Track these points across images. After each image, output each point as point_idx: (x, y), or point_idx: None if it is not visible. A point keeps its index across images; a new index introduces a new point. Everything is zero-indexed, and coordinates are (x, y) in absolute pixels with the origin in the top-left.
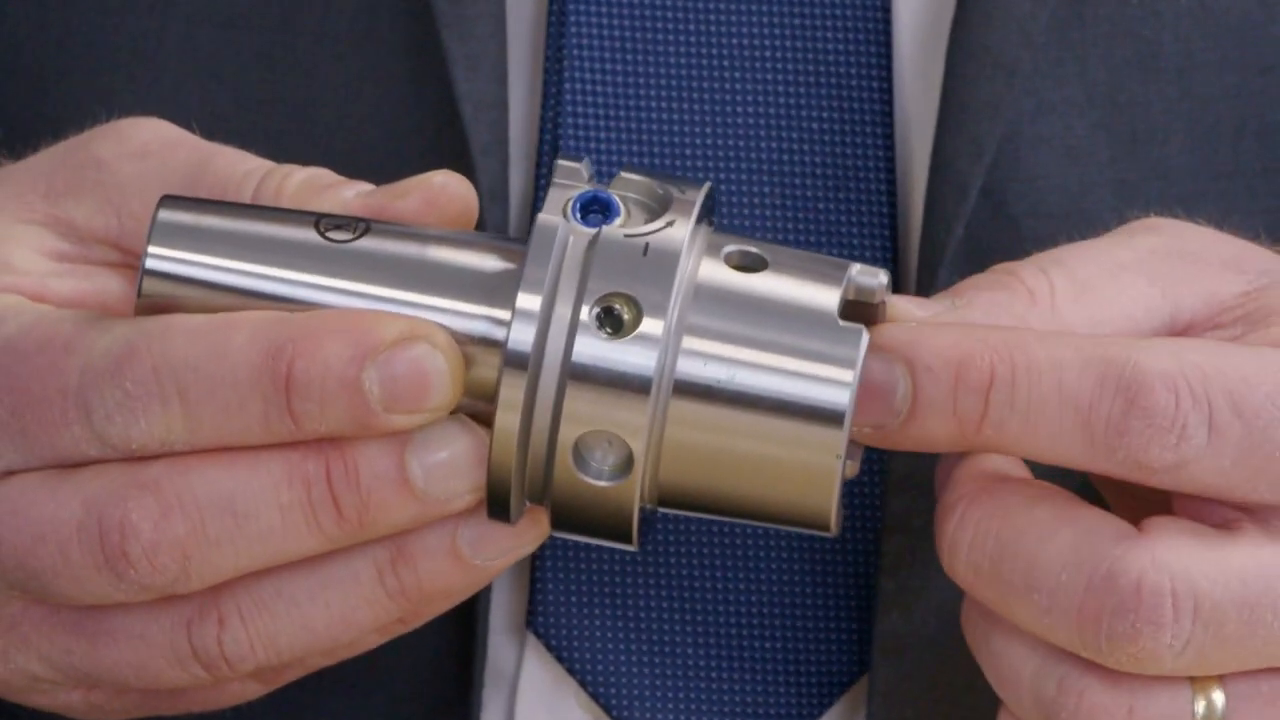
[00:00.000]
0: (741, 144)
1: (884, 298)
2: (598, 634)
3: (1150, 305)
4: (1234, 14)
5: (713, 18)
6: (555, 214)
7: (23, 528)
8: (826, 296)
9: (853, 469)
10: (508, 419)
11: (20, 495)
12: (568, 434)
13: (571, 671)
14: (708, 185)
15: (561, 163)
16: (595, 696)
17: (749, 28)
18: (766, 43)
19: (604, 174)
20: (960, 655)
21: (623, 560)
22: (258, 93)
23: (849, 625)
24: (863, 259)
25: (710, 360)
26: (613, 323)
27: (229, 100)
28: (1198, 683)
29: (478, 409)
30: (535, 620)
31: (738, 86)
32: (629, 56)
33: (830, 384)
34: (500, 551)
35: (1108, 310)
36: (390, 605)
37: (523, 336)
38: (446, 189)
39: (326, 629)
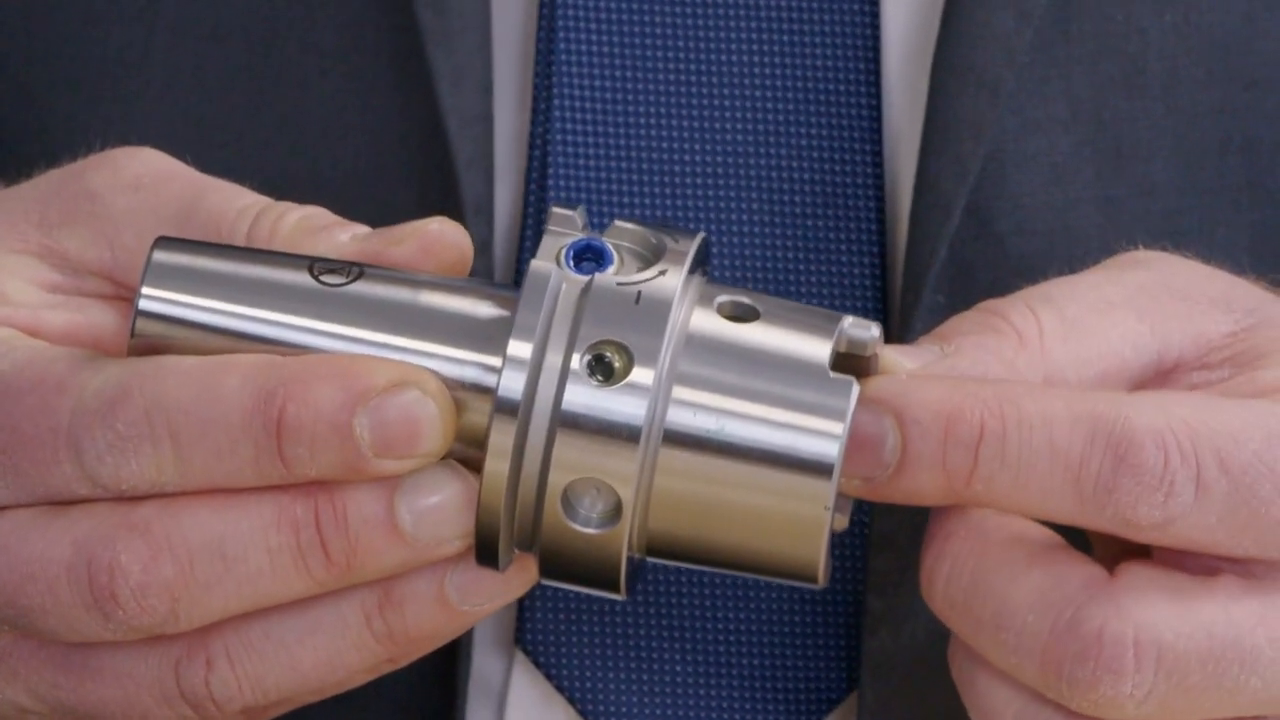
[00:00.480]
0: (730, 159)
1: (876, 350)
2: (585, 651)
3: (1139, 343)
4: (1218, 30)
5: (702, 34)
6: (548, 260)
7: (13, 565)
8: (817, 348)
9: (841, 522)
10: (497, 465)
11: (11, 532)
12: (557, 481)
13: (559, 689)
14: (701, 235)
15: (556, 210)
16: (584, 714)
17: (738, 44)
18: (755, 59)
19: (595, 205)
20: (949, 674)
21: None
22: (243, 104)
23: (837, 643)
24: (851, 275)
25: (700, 410)
26: (603, 370)
27: (214, 111)
28: None
29: (468, 455)
30: (524, 637)
31: (726, 103)
32: (618, 72)
33: (820, 436)
34: (488, 597)
35: (1096, 348)
36: (377, 649)
37: (513, 384)
38: (443, 237)
39: (314, 670)
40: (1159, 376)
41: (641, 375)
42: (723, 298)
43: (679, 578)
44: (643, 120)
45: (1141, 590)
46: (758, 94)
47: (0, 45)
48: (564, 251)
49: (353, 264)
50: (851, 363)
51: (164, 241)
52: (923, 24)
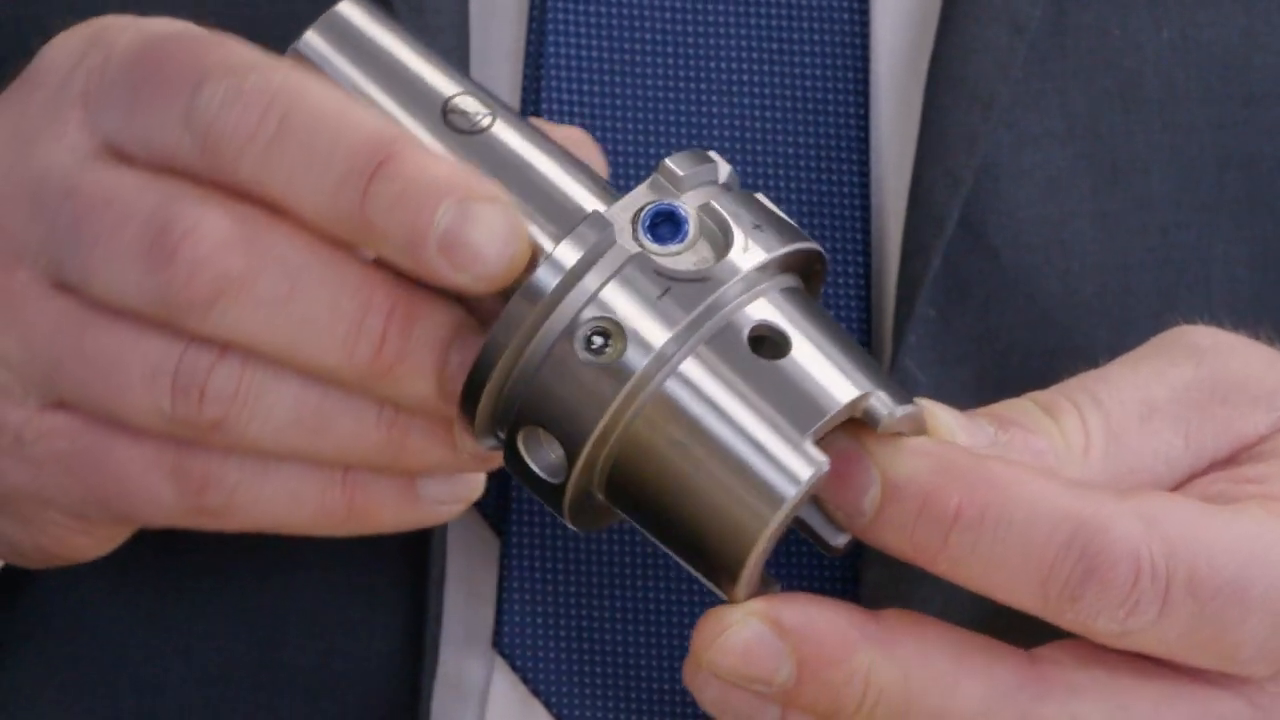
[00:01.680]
0: None
1: (904, 427)
2: (563, 656)
3: (1172, 457)
4: (1217, 45)
5: (690, 40)
6: (629, 208)
7: (89, 203)
8: (820, 407)
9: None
10: (502, 335)
11: (99, 176)
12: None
13: (536, 693)
14: (794, 248)
15: (695, 157)
16: (560, 717)
17: (726, 51)
18: (744, 66)
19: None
20: None
21: (590, 584)
22: None
23: None
24: (836, 283)
25: (697, 397)
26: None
27: None
28: None
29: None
30: (501, 641)
31: (714, 110)
32: (606, 79)
33: (778, 481)
34: (450, 485)
35: (1132, 464)
36: (339, 499)
37: (546, 279)
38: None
39: (295, 445)
40: (1189, 480)
41: (657, 336)
42: (761, 317)
43: (659, 586)
44: (630, 128)
45: (1076, 682)
46: (745, 101)
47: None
48: (645, 211)
49: (488, 111)
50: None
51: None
52: (913, 34)
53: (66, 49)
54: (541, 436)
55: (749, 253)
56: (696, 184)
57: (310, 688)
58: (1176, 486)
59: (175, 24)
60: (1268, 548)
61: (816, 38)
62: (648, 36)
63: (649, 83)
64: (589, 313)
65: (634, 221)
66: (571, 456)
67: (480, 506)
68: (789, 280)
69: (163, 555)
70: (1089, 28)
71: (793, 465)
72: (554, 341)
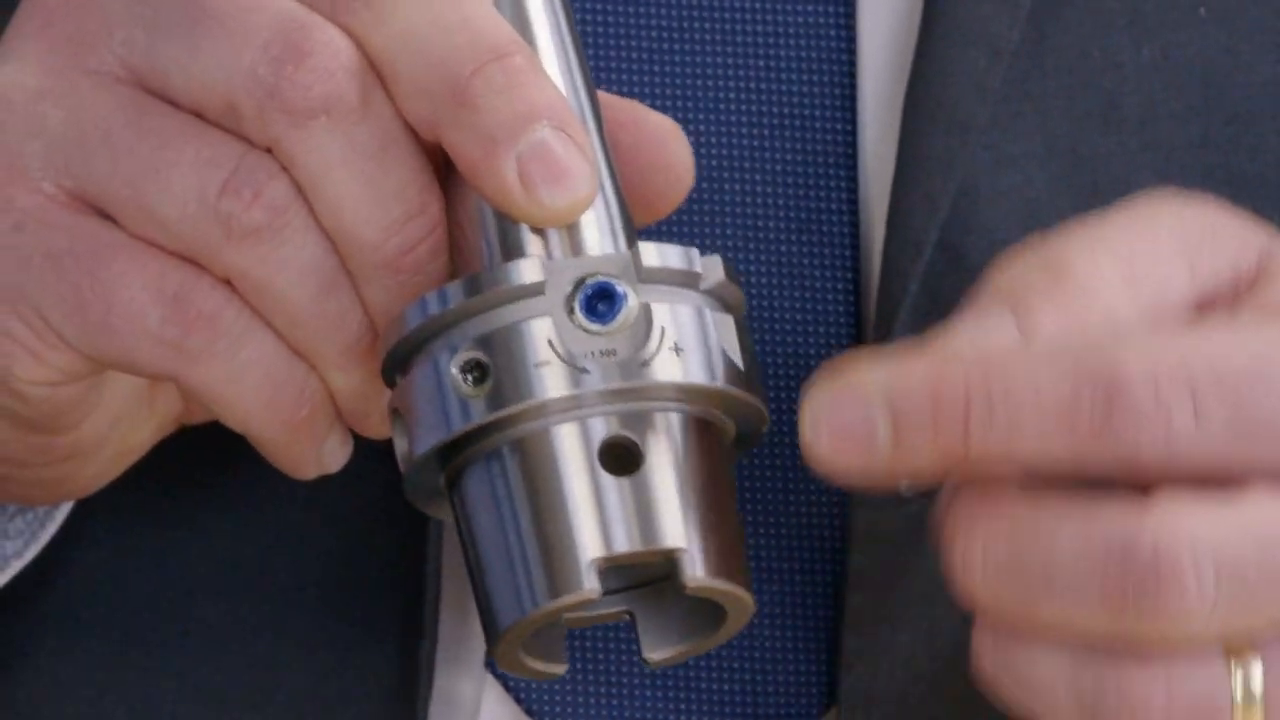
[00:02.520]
0: (704, 184)
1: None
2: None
3: (1179, 286)
4: (1198, 63)
5: (677, 58)
6: (582, 269)
7: None
8: (626, 537)
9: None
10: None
11: None
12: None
13: (529, 713)
14: (712, 388)
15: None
16: None
17: (713, 69)
18: (730, 84)
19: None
20: (927, 710)
21: None
22: None
23: (813, 680)
24: (825, 300)
25: (525, 471)
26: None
27: None
28: (1232, 653)
29: None
30: (493, 662)
31: (701, 128)
32: None
33: (543, 585)
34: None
35: (1146, 295)
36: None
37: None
38: (660, 134)
39: (299, 298)
40: (1196, 315)
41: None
42: (622, 431)
43: None
44: None
45: (1182, 504)
46: (732, 119)
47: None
48: (590, 280)
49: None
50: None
51: None
52: (899, 51)
53: None
54: (402, 423)
55: (652, 365)
56: (672, 280)
57: (304, 709)
58: (1186, 318)
59: None
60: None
61: (803, 54)
62: (634, 54)
63: (637, 100)
64: (470, 352)
65: (577, 284)
66: (407, 457)
67: None
68: (699, 409)
69: (157, 573)
70: (1068, 48)
71: (571, 577)
72: (442, 349)
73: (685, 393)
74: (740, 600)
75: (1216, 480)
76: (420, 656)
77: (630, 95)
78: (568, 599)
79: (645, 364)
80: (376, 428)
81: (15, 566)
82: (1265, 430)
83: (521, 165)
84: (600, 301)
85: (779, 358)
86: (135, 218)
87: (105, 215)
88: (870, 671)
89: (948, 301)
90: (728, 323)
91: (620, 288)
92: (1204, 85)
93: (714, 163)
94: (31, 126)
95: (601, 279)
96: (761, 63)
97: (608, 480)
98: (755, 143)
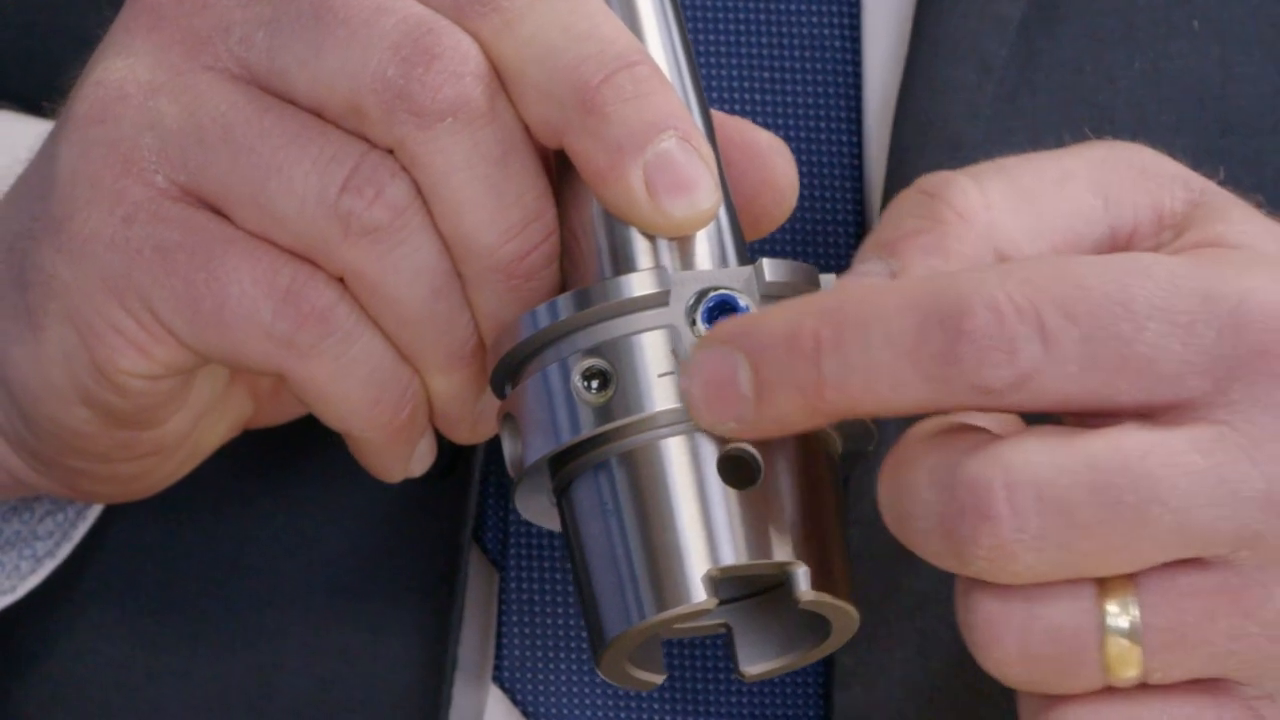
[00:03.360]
0: None
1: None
2: (563, 689)
3: (1091, 217)
4: (1191, 76)
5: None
6: (702, 282)
7: None
8: (745, 548)
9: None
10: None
11: None
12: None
13: (527, 714)
14: None
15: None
16: None
17: (718, 80)
18: (736, 95)
19: None
20: None
21: None
22: None
23: (811, 697)
24: None
25: (642, 480)
26: (600, 380)
27: None
28: (1106, 584)
29: None
30: (501, 674)
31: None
32: None
33: (653, 595)
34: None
35: (1048, 221)
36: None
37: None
38: (769, 153)
39: (414, 300)
40: (1111, 247)
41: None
42: (745, 444)
43: None
44: None
45: (1020, 440)
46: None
47: (31, 24)
48: (712, 293)
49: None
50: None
51: None
52: (900, 66)
53: None
54: (515, 429)
55: None
56: (792, 295)
57: (307, 714)
58: (1097, 248)
59: None
60: (1144, 266)
61: (809, 65)
62: None
63: None
64: (592, 359)
65: (699, 296)
66: (518, 463)
67: (480, 541)
68: (819, 428)
69: (164, 579)
70: (1060, 62)
71: (681, 589)
72: (562, 356)
73: None
74: (848, 615)
75: (1092, 415)
76: (445, 664)
77: None
78: (678, 610)
79: None
80: (467, 434)
81: (48, 566)
82: (1123, 361)
83: (648, 174)
84: (722, 314)
85: None
86: (251, 214)
87: (217, 210)
88: (866, 688)
89: None
90: None
91: (743, 302)
92: (1197, 98)
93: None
94: (147, 120)
95: (725, 292)
96: (767, 74)
97: (725, 492)
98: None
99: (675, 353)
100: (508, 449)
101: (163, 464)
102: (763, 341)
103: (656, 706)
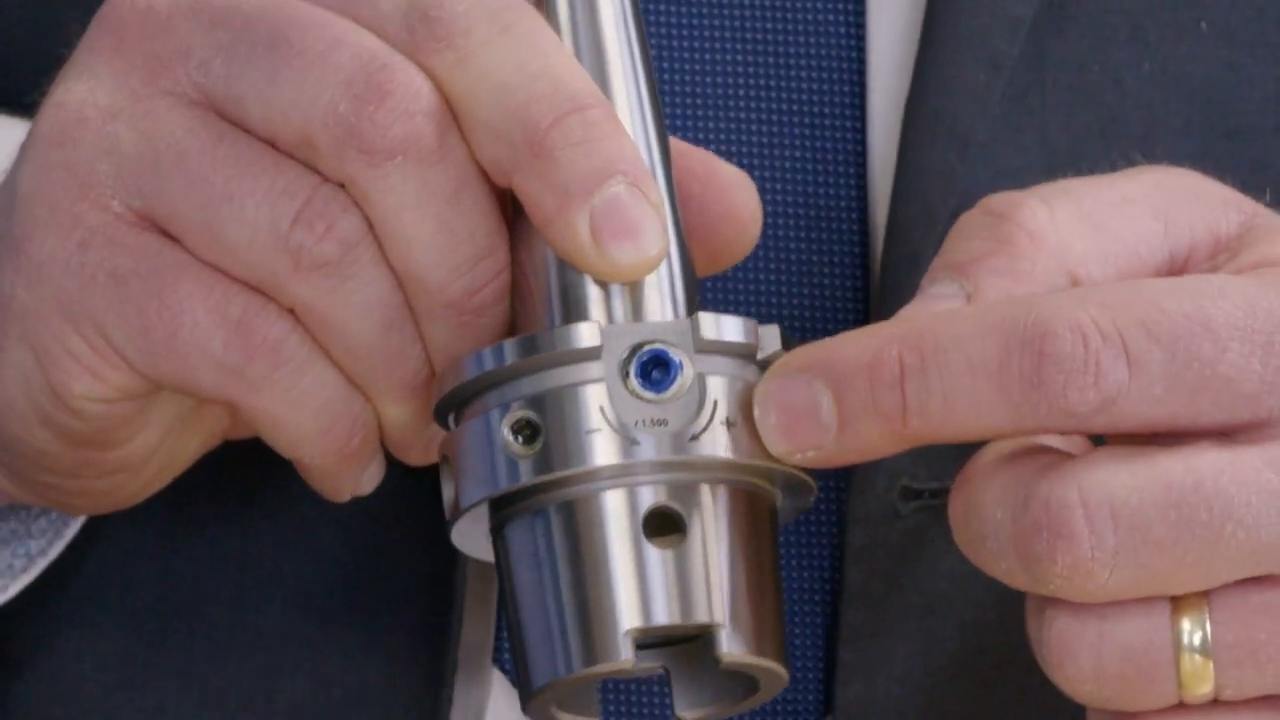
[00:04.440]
0: None
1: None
2: None
3: (1152, 241)
4: (1198, 78)
5: (686, 55)
6: (639, 335)
7: (305, 19)
8: (667, 610)
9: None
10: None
11: (309, 3)
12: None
13: None
14: (760, 464)
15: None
16: None
17: (721, 65)
18: (740, 80)
19: None
20: None
21: None
22: None
23: (811, 695)
24: (834, 298)
25: (566, 535)
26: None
27: None
28: (1180, 602)
29: None
30: (501, 656)
31: (710, 124)
32: None
33: (577, 650)
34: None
35: (1114, 245)
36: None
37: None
38: (730, 189)
39: (364, 333)
40: (1170, 271)
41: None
42: (668, 501)
43: None
44: None
45: (1094, 459)
46: (742, 116)
47: (14, 24)
48: (646, 347)
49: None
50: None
51: None
52: (908, 48)
53: None
54: (450, 471)
55: (702, 439)
56: (729, 351)
57: (307, 714)
58: (1157, 272)
59: None
60: (1217, 287)
61: (813, 50)
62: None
63: None
64: (522, 411)
65: (633, 350)
66: (453, 506)
67: None
68: (748, 483)
69: (166, 577)
70: (1069, 62)
71: (608, 645)
72: (500, 403)
73: (733, 467)
74: (774, 674)
75: (1166, 435)
76: (446, 663)
77: None
78: (602, 667)
79: (695, 437)
80: (419, 457)
81: (40, 564)
82: (1205, 382)
83: (594, 220)
84: (655, 369)
85: None
86: (204, 243)
87: (172, 237)
88: (867, 685)
89: None
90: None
91: (676, 357)
92: (1204, 100)
93: (724, 158)
94: (104, 145)
95: (658, 347)
96: (771, 60)
97: (650, 551)
98: (765, 140)
99: (604, 409)
100: (445, 490)
101: (132, 480)
102: (845, 369)
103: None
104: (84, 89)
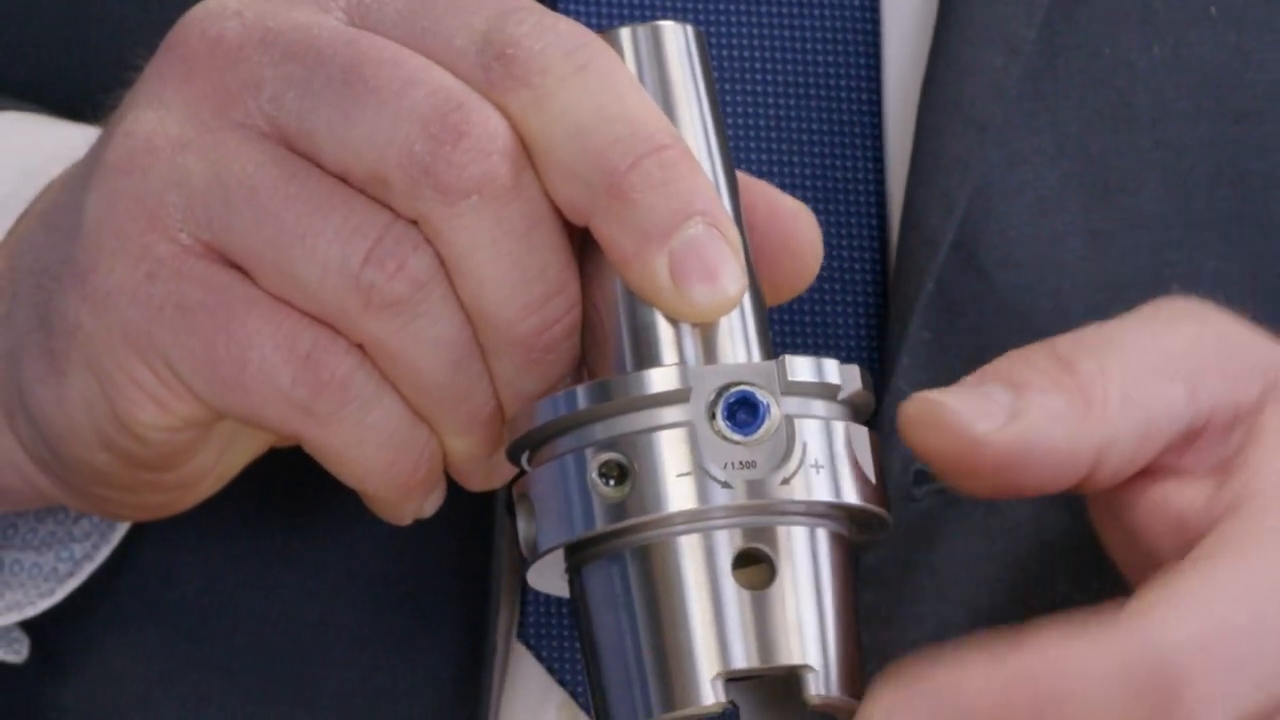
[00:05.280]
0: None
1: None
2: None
3: (1176, 412)
4: (1208, 63)
5: (701, 29)
6: (725, 376)
7: (378, 57)
8: (753, 652)
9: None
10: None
11: (382, 39)
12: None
13: (562, 683)
14: (853, 505)
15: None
16: (585, 707)
17: (736, 39)
18: (755, 54)
19: None
20: None
21: None
22: None
23: None
24: (851, 271)
25: (655, 578)
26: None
27: None
28: None
29: None
30: (526, 631)
31: (725, 98)
32: None
33: (664, 693)
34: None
35: (1146, 414)
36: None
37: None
38: (795, 221)
39: (433, 370)
40: (1185, 439)
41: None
42: (756, 544)
43: None
44: None
45: None
46: (758, 89)
47: (46, 20)
48: (732, 389)
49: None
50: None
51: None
52: (922, 20)
53: None
54: (529, 511)
55: (792, 484)
56: (813, 393)
57: (352, 704)
58: (1173, 441)
59: None
60: None
61: (828, 24)
62: None
63: None
64: (610, 454)
65: (720, 392)
66: (531, 546)
67: (512, 512)
68: (832, 524)
69: (206, 568)
70: (1080, 47)
71: (691, 690)
72: (579, 445)
73: (822, 510)
74: (853, 712)
75: None
76: (485, 648)
77: None
78: (686, 711)
79: (785, 481)
80: (481, 484)
81: (86, 569)
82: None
83: (673, 262)
84: (742, 411)
85: (804, 327)
86: (274, 278)
87: (240, 269)
88: (880, 668)
89: (960, 301)
90: (862, 435)
91: (763, 399)
92: (1214, 84)
93: (740, 133)
94: (174, 176)
95: (745, 389)
96: (786, 33)
97: (737, 593)
98: (781, 113)
99: (693, 453)
100: (521, 528)
101: (189, 494)
102: (970, 708)
103: None
104: (153, 118)
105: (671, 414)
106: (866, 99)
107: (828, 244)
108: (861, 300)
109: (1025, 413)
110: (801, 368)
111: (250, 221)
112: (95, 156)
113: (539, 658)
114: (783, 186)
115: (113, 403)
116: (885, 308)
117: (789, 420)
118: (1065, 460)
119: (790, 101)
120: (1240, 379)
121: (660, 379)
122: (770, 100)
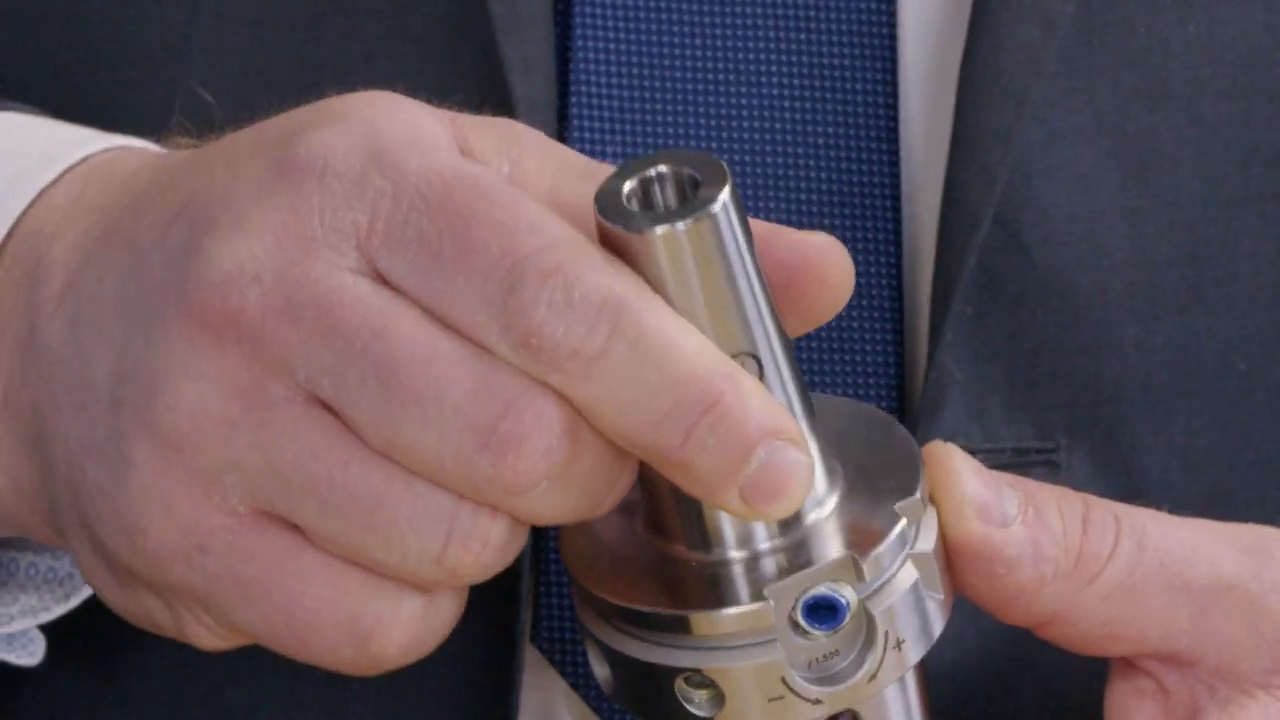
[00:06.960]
0: (745, 158)
1: None
2: None
3: (1172, 635)
4: (1243, 41)
5: (717, 33)
6: (802, 584)
7: (410, 352)
8: None
9: None
10: None
11: (406, 319)
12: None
13: (575, 687)
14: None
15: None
16: (598, 710)
17: (753, 41)
18: (771, 57)
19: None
20: (952, 708)
21: None
22: (286, 91)
23: None
24: (868, 274)
25: None
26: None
27: (257, 97)
28: None
29: None
30: (538, 635)
31: (742, 101)
32: (633, 71)
33: None
34: None
35: (1133, 619)
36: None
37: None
38: (824, 257)
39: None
40: (1172, 659)
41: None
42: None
43: None
44: (658, 119)
45: None
46: (773, 92)
47: (42, 30)
48: (810, 594)
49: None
50: None
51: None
52: (940, 21)
53: (338, 154)
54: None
55: (879, 676)
56: (893, 555)
57: (381, 692)
58: (1160, 654)
59: (456, 159)
60: None
61: (844, 27)
62: (675, 29)
63: (676, 75)
64: (699, 678)
65: (798, 598)
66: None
67: None
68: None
69: None
70: (1116, 25)
71: None
72: (668, 666)
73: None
74: None
75: None
76: (515, 631)
77: (669, 67)
78: None
79: (873, 676)
80: None
81: None
82: None
83: (744, 492)
84: (823, 608)
85: (821, 329)
86: (340, 550)
87: (295, 526)
88: None
89: (1001, 278)
90: (928, 562)
91: (842, 598)
92: (1248, 62)
93: (755, 135)
94: (229, 459)
95: (823, 592)
96: (801, 35)
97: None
98: (796, 115)
99: (785, 678)
100: (598, 671)
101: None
102: None
103: None
104: (193, 391)
105: (757, 636)
106: (883, 102)
107: (844, 244)
108: (879, 303)
109: (1018, 530)
110: (874, 560)
111: (316, 513)
112: (132, 412)
113: (552, 662)
114: (799, 190)
115: (177, 620)
116: (902, 310)
117: (866, 613)
118: (1009, 592)
119: (805, 105)
120: (1256, 648)
121: (751, 616)
122: (784, 105)
